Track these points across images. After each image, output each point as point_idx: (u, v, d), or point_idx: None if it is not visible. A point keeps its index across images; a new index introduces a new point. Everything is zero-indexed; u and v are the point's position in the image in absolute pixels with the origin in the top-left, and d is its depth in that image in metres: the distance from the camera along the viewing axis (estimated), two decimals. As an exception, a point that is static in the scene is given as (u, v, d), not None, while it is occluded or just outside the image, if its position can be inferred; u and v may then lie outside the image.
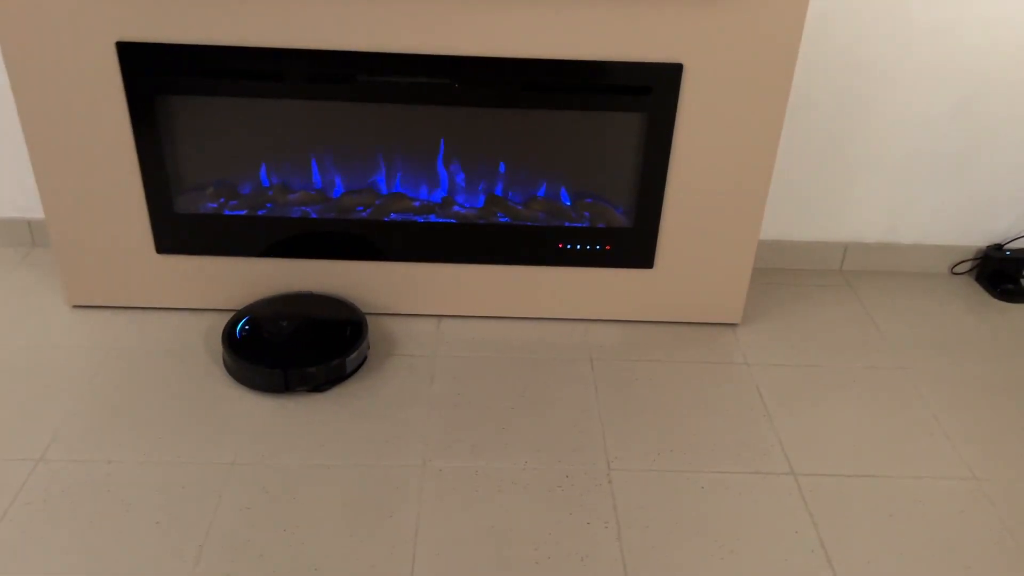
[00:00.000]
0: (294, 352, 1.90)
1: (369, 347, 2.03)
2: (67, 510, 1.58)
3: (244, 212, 2.04)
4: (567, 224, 2.07)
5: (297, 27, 1.81)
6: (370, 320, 2.17)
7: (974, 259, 2.53)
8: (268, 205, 2.05)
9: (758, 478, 1.75)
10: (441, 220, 2.05)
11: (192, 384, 1.91)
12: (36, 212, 2.38)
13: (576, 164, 2.04)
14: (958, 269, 2.55)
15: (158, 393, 1.88)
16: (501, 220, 2.07)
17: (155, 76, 1.85)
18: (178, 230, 2.03)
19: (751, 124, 1.94)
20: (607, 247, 2.08)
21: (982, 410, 1.98)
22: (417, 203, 2.06)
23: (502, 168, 2.04)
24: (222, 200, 2.04)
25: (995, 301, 2.43)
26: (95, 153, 1.95)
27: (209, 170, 2.02)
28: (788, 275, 2.50)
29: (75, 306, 2.17)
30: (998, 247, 2.49)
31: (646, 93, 1.90)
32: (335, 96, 1.89)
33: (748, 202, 2.05)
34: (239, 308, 2.11)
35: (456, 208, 2.07)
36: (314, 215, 2.05)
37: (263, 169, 2.03)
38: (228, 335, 1.94)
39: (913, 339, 2.23)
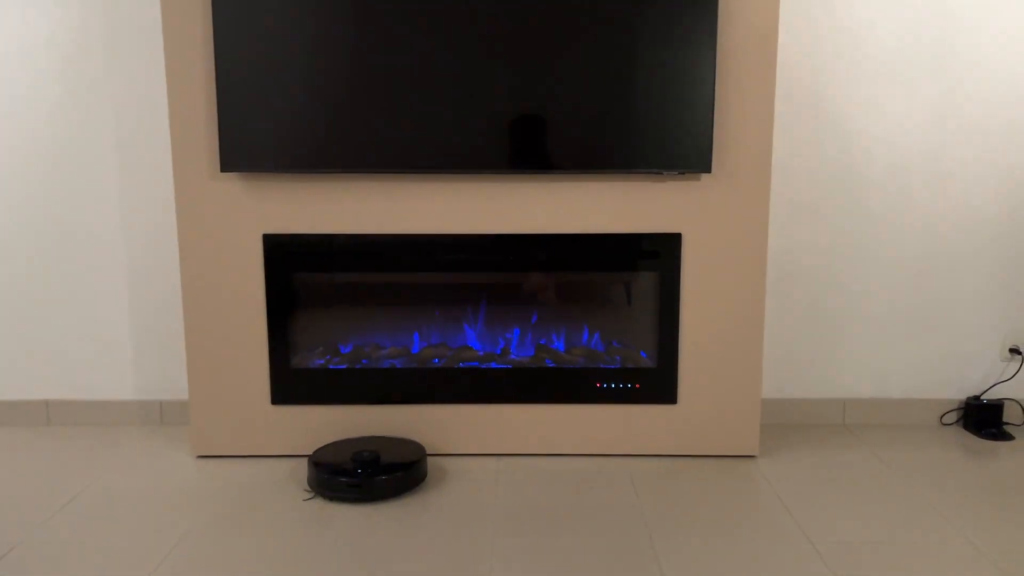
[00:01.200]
0: (385, 461, 2.32)
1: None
2: None
3: (345, 366, 2.56)
4: (602, 366, 2.56)
5: (393, 218, 2.48)
6: (442, 460, 2.58)
7: (958, 409, 2.92)
8: (364, 361, 2.58)
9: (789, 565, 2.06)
10: (500, 366, 2.56)
11: (290, 512, 2.31)
12: (166, 394, 2.91)
13: (606, 316, 2.58)
14: (946, 420, 2.93)
15: (261, 520, 2.27)
16: (548, 365, 2.57)
17: (288, 258, 2.49)
18: (291, 383, 2.54)
19: (741, 276, 2.51)
20: (636, 385, 2.55)
21: (990, 510, 2.28)
22: (481, 352, 2.58)
23: (548, 322, 2.59)
24: (328, 356, 2.58)
25: (984, 442, 2.79)
26: (234, 323, 2.53)
27: (320, 332, 2.58)
28: (796, 428, 2.89)
29: (199, 456, 2.61)
30: (976, 397, 2.90)
31: (656, 257, 2.49)
32: (417, 269, 2.50)
33: (749, 341, 2.54)
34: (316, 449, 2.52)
35: (512, 356, 2.58)
36: (400, 366, 2.56)
37: (360, 330, 2.59)
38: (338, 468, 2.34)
39: (918, 468, 2.55)
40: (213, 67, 2.40)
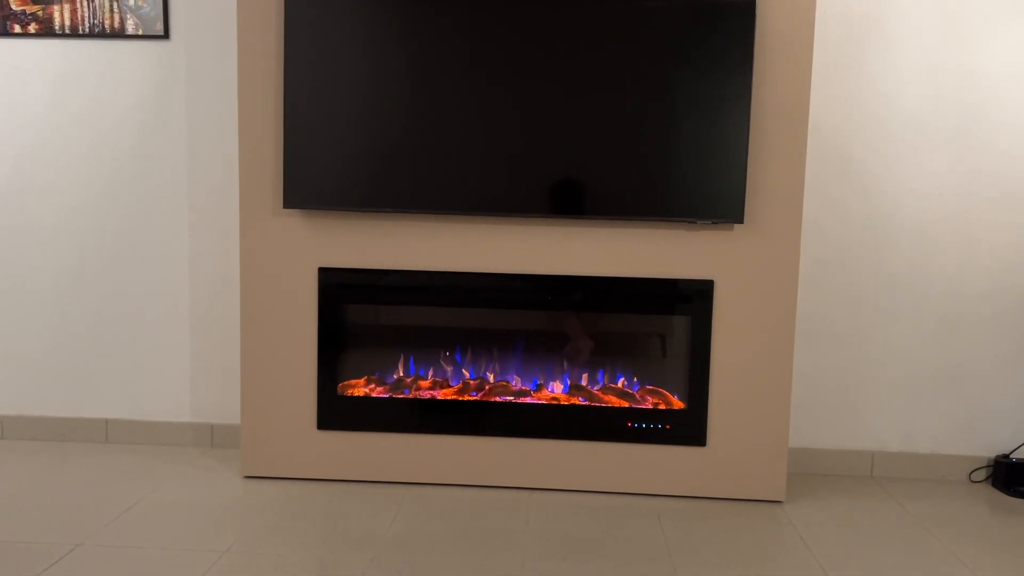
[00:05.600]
0: None
1: None
2: None
3: (388, 395, 2.70)
4: (634, 406, 2.66)
5: (440, 256, 2.63)
6: (477, 491, 2.68)
7: (987, 466, 2.95)
8: (406, 391, 2.71)
9: (801, 576, 2.12)
10: (535, 402, 2.67)
11: (332, 534, 2.43)
12: (219, 418, 3.06)
13: (640, 357, 2.69)
14: (975, 477, 2.96)
15: (297, 533, 2.40)
16: (582, 402, 2.67)
17: (340, 291, 2.65)
18: (337, 410, 2.68)
19: (771, 324, 2.61)
20: (667, 426, 2.64)
21: (1017, 565, 2.32)
22: (517, 388, 2.69)
23: (583, 361, 2.70)
24: (372, 386, 2.71)
25: (1012, 500, 2.81)
26: (287, 350, 2.69)
27: (366, 362, 2.72)
28: (823, 477, 2.94)
29: (246, 476, 2.75)
30: (1005, 456, 2.92)
31: (688, 301, 2.60)
32: (461, 305, 2.64)
33: (778, 387, 2.62)
34: None
35: (547, 392, 2.69)
36: (439, 397, 2.69)
37: (404, 362, 2.73)
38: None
39: (945, 521, 2.59)
40: (281, 117, 2.61)
